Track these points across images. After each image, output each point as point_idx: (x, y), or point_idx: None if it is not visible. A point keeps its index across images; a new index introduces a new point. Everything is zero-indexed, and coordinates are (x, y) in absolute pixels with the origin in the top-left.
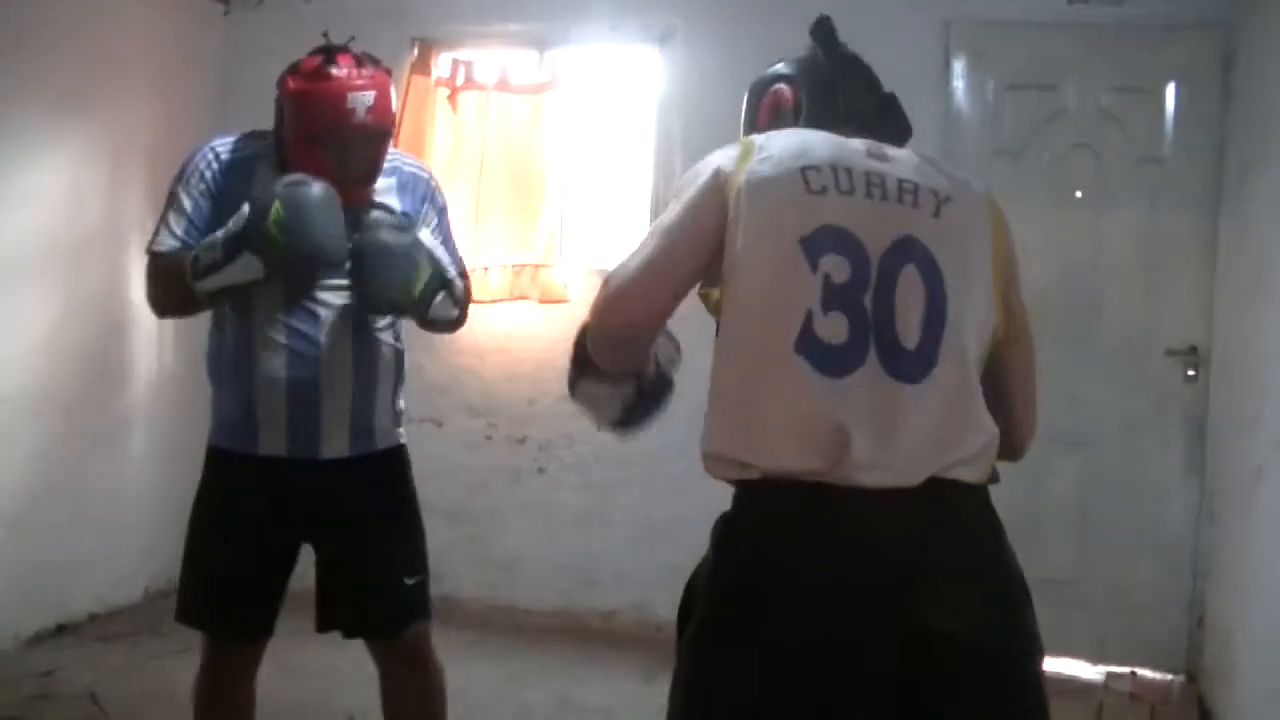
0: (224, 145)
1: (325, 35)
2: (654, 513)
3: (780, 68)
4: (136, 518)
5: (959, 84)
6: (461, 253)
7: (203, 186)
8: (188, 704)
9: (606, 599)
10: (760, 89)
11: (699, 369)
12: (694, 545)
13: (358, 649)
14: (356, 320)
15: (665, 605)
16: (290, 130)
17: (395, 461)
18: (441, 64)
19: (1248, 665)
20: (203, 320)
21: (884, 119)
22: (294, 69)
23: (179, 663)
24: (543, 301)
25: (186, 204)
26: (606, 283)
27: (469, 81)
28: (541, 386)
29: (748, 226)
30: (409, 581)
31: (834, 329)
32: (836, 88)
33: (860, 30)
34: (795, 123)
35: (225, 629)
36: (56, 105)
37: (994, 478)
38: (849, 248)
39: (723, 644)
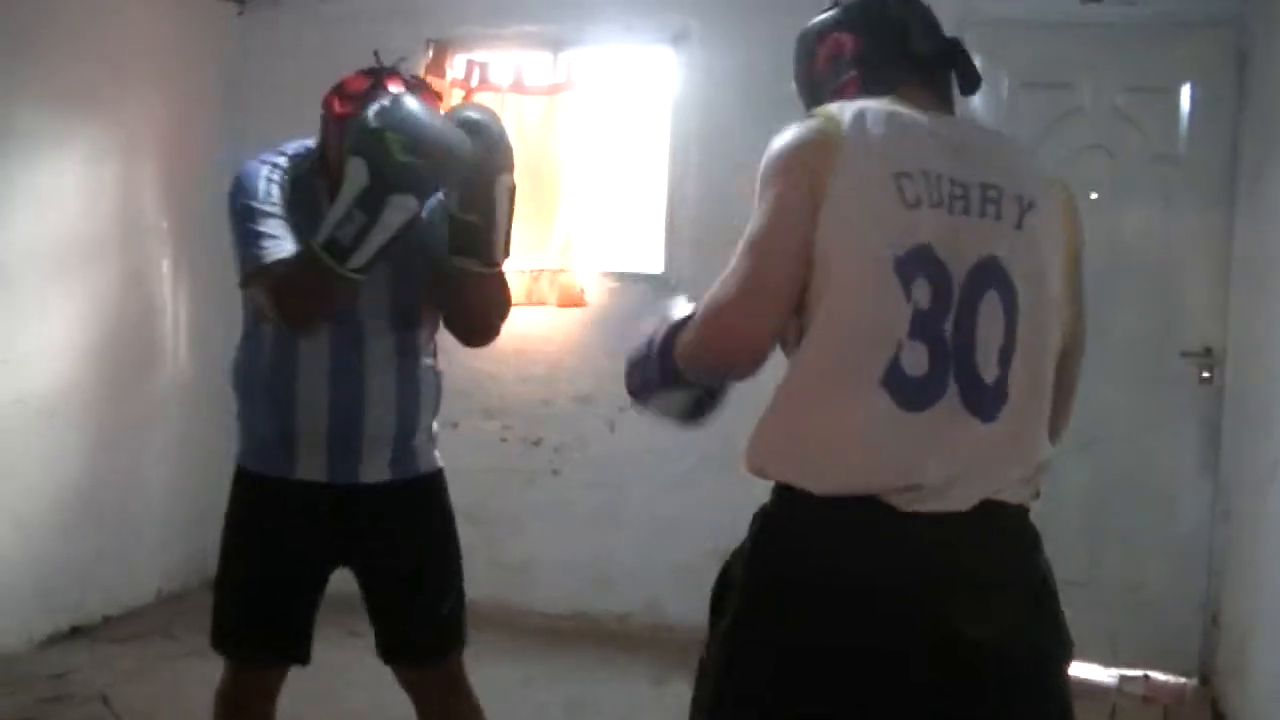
0: (278, 159)
1: (376, 55)
2: (668, 514)
3: (835, 13)
4: (150, 521)
5: None
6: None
7: (276, 193)
8: (199, 708)
9: (620, 601)
10: (815, 37)
11: None
12: (708, 548)
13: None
14: (399, 345)
15: (679, 607)
16: (335, 152)
17: (435, 486)
18: (456, 65)
19: (1262, 667)
20: (220, 320)
21: (952, 66)
22: (340, 90)
23: (191, 665)
24: (561, 305)
25: (272, 210)
26: (712, 306)
27: (484, 83)
28: (556, 388)
29: (842, 244)
30: (447, 609)
31: (917, 360)
32: (902, 35)
33: None
34: (858, 73)
35: (261, 658)
36: (65, 105)
37: (1036, 494)
38: (933, 269)
39: (759, 640)
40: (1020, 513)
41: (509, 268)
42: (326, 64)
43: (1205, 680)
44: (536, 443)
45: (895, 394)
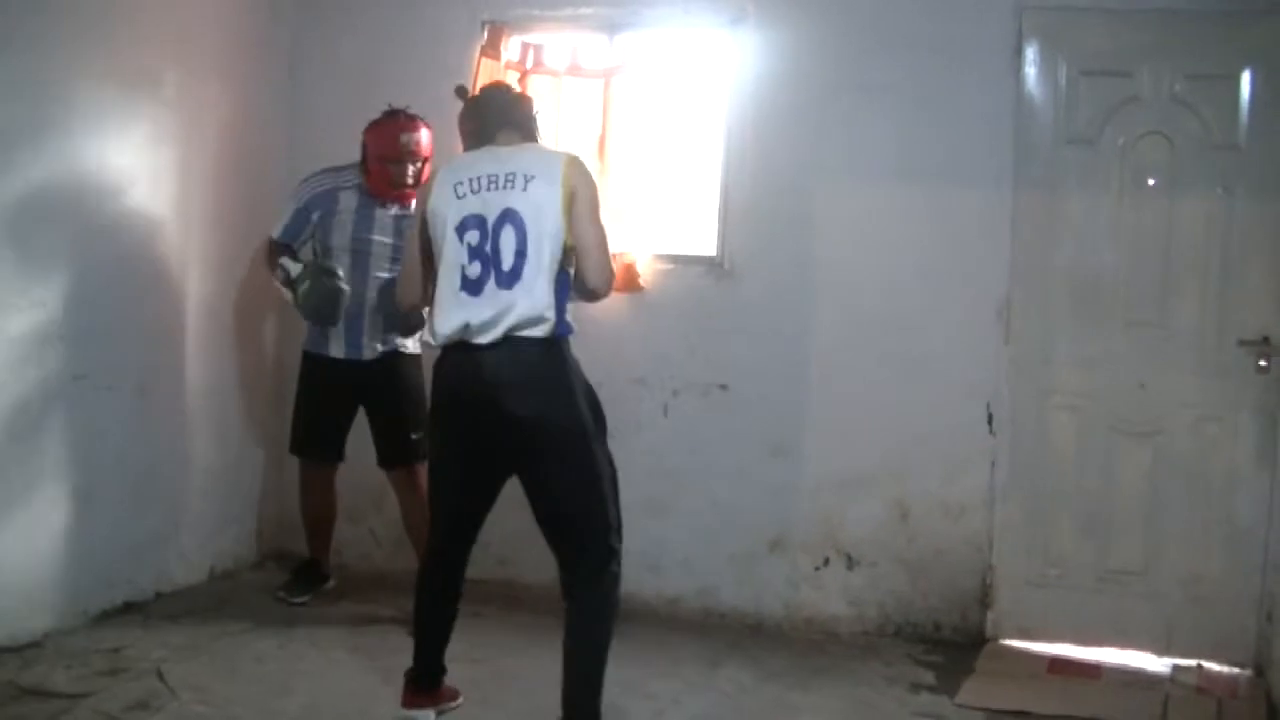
0: (337, 172)
1: (389, 104)
2: (720, 500)
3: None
4: (204, 501)
5: (1031, 70)
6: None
7: (308, 193)
8: (252, 683)
9: (672, 585)
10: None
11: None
12: (760, 533)
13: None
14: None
15: (730, 592)
16: (369, 157)
17: (406, 361)
18: (511, 48)
19: None
20: (277, 306)
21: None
22: (373, 123)
23: (243, 642)
24: (620, 291)
25: (299, 204)
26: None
27: (539, 65)
28: (609, 371)
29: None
30: (412, 434)
31: (473, 270)
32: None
33: (933, 16)
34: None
35: (322, 454)
36: (127, 87)
37: (553, 328)
38: (477, 223)
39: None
40: (534, 340)
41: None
42: (384, 47)
43: (1260, 672)
44: None
45: (465, 288)
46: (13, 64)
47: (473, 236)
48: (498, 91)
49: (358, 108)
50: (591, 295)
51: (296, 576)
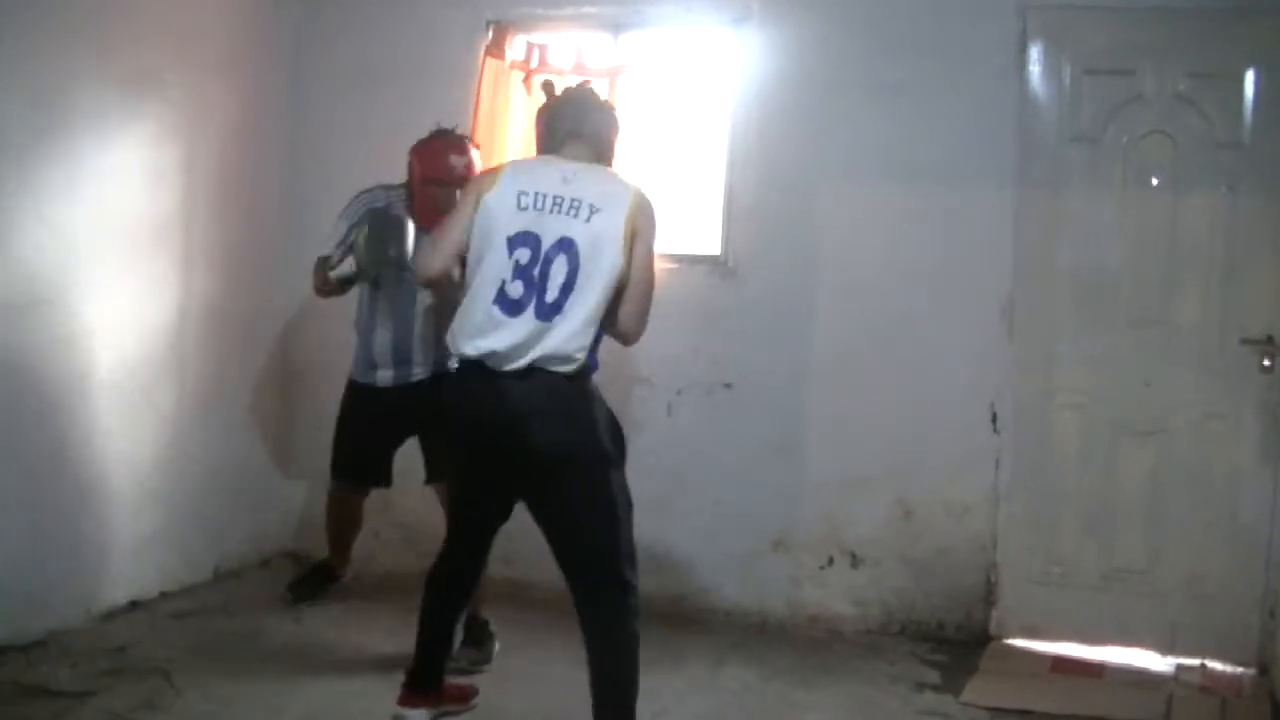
0: (387, 189)
1: (438, 124)
2: (724, 499)
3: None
4: (210, 501)
5: (1034, 69)
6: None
7: (357, 208)
8: (259, 683)
9: (675, 584)
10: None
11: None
12: (764, 532)
13: None
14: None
15: (734, 591)
16: (415, 180)
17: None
18: (516, 47)
19: None
20: (280, 305)
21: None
22: (421, 143)
23: (249, 642)
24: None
25: (344, 221)
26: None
27: (543, 65)
28: (613, 371)
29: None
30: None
31: (515, 289)
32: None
33: (937, 15)
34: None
35: (360, 482)
36: (129, 87)
37: (583, 364)
38: (530, 242)
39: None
40: (559, 375)
41: None
42: (388, 45)
43: (1264, 670)
44: None
45: (501, 306)
46: (15, 63)
47: (523, 254)
48: (575, 96)
49: (361, 107)
50: (622, 338)
51: (306, 578)
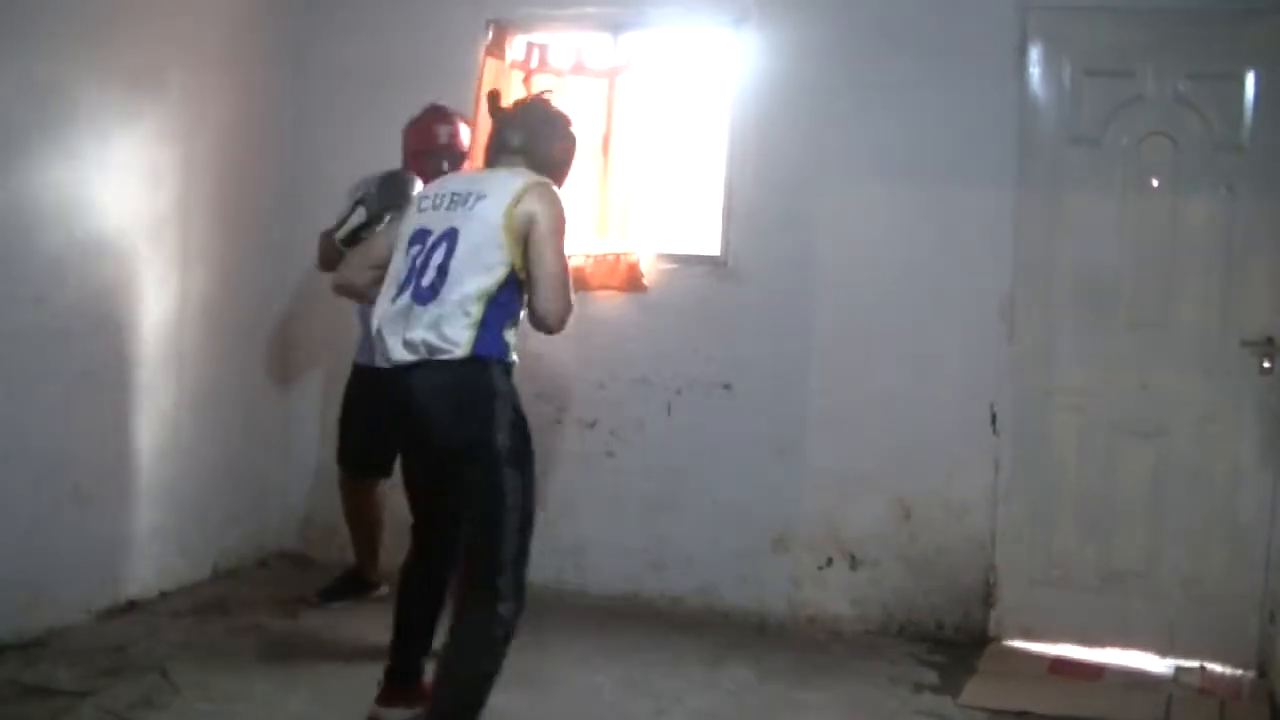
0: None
1: (432, 103)
2: (722, 498)
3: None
4: (208, 499)
5: (1035, 69)
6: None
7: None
8: (256, 681)
9: (674, 584)
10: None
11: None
12: (763, 532)
13: None
14: None
15: (733, 591)
16: (407, 154)
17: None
18: (516, 47)
19: None
20: (279, 305)
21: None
22: (411, 120)
23: (247, 641)
24: (624, 290)
25: (345, 203)
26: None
27: (543, 65)
28: (612, 371)
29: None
30: None
31: (406, 283)
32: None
33: (937, 16)
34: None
35: (368, 470)
36: (131, 86)
37: (470, 347)
38: (421, 237)
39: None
40: (450, 364)
41: (571, 252)
42: (389, 45)
43: (1263, 673)
44: (591, 425)
45: (394, 300)
46: (17, 63)
47: (415, 250)
48: (513, 110)
49: (362, 107)
50: (540, 325)
51: (336, 586)
